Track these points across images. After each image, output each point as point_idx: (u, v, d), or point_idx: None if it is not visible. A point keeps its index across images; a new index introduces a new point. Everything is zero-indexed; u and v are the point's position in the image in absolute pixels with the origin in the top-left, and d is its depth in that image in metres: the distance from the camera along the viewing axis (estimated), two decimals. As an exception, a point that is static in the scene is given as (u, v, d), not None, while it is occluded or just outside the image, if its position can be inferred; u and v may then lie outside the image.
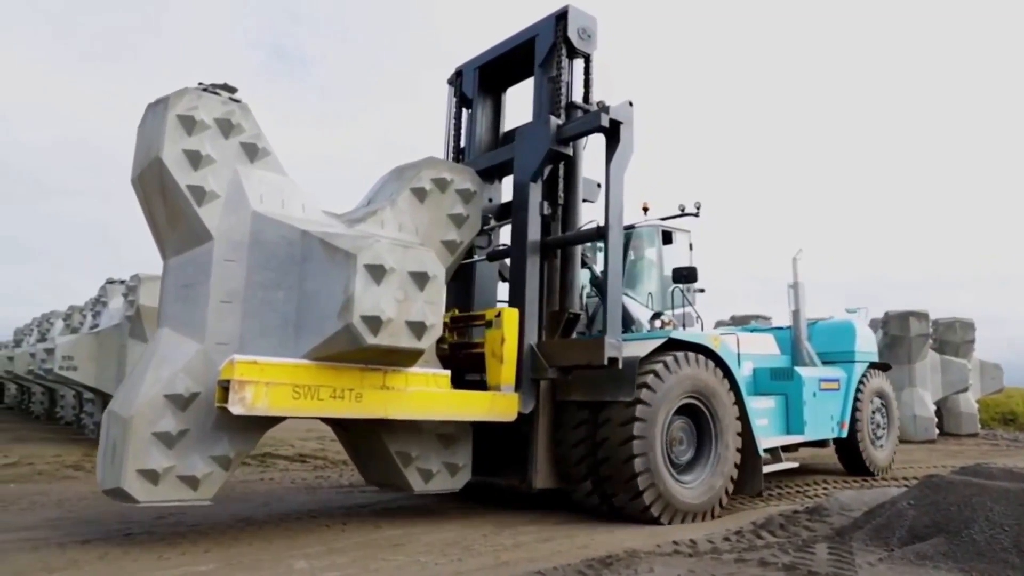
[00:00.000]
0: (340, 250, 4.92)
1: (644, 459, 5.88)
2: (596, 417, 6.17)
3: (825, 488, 8.58)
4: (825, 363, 9.76)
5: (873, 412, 9.81)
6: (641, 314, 7.86)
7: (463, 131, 7.83)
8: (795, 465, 8.03)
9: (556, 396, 6.44)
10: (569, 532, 5.71)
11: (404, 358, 5.19)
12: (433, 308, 5.17)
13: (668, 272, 8.32)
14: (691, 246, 8.57)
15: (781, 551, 4.69)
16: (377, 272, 4.88)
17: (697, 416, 6.60)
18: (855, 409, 9.39)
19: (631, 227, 8.21)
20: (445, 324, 6.63)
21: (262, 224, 5.31)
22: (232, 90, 5.55)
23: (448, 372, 5.79)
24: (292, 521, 5.99)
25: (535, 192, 6.50)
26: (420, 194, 6.32)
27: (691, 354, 6.48)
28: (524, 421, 6.39)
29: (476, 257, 7.14)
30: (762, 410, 8.36)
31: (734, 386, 6.91)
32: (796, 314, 9.84)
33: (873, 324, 17.54)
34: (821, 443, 9.49)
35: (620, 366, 5.82)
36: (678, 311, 8.14)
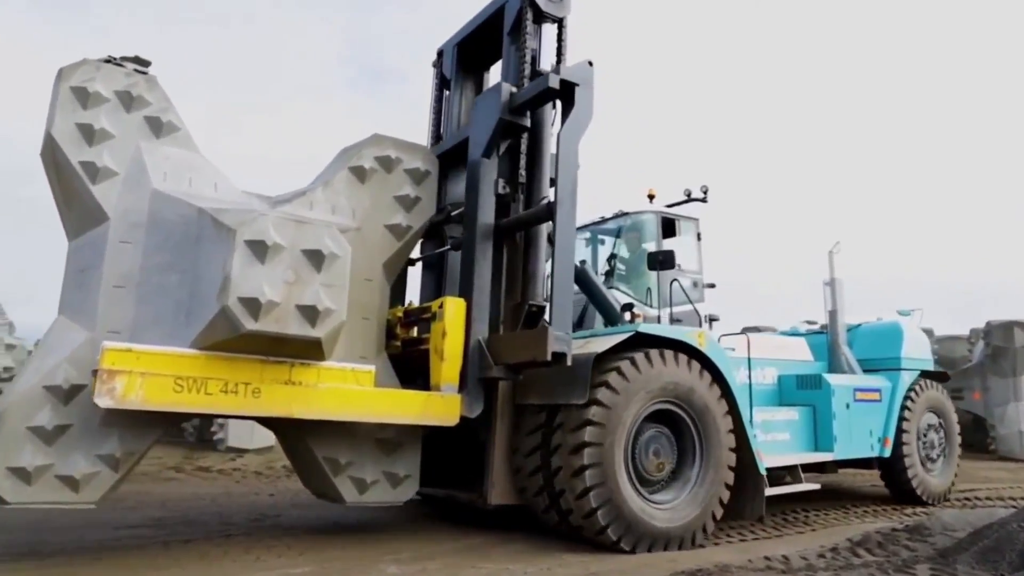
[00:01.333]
0: (224, 226, 4.39)
1: (598, 471, 5.00)
2: (552, 422, 5.36)
3: (856, 517, 7.31)
4: (867, 371, 8.47)
5: (925, 430, 8.40)
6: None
7: (443, 114, 7.25)
8: (812, 487, 6.85)
9: (516, 399, 5.68)
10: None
11: (300, 348, 4.58)
12: (332, 292, 4.55)
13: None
14: (699, 236, 7.59)
15: (880, 571, 4.42)
16: (260, 249, 4.31)
17: (678, 426, 5.65)
18: (901, 424, 8.05)
19: (623, 215, 7.34)
20: (397, 319, 6.02)
21: (162, 203, 4.86)
22: (143, 63, 5.17)
23: (372, 368, 5.14)
24: (382, 525, 6.15)
25: (488, 169, 5.79)
26: (360, 174, 5.74)
27: (668, 352, 5.55)
28: (484, 428, 5.67)
29: (448, 246, 6.50)
30: (782, 422, 7.25)
31: (728, 392, 5.91)
32: (833, 315, 8.62)
33: (974, 334, 16.13)
34: (863, 463, 8.21)
35: (569, 363, 5.00)
36: (682, 308, 7.17)
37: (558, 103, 5.95)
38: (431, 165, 6.10)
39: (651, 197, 7.82)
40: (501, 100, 5.67)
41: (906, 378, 8.28)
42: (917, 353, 8.56)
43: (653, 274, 7.13)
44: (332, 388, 4.87)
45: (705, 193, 7.93)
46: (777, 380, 7.90)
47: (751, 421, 6.78)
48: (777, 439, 7.18)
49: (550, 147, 6.13)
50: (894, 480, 8.17)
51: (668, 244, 7.53)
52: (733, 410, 5.92)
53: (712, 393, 5.72)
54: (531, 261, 5.87)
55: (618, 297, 7.01)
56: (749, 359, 7.12)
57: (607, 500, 5.01)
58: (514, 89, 5.73)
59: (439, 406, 5.25)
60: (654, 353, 5.44)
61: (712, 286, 7.62)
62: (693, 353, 5.74)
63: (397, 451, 5.54)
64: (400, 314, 6.04)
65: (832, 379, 7.63)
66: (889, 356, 8.47)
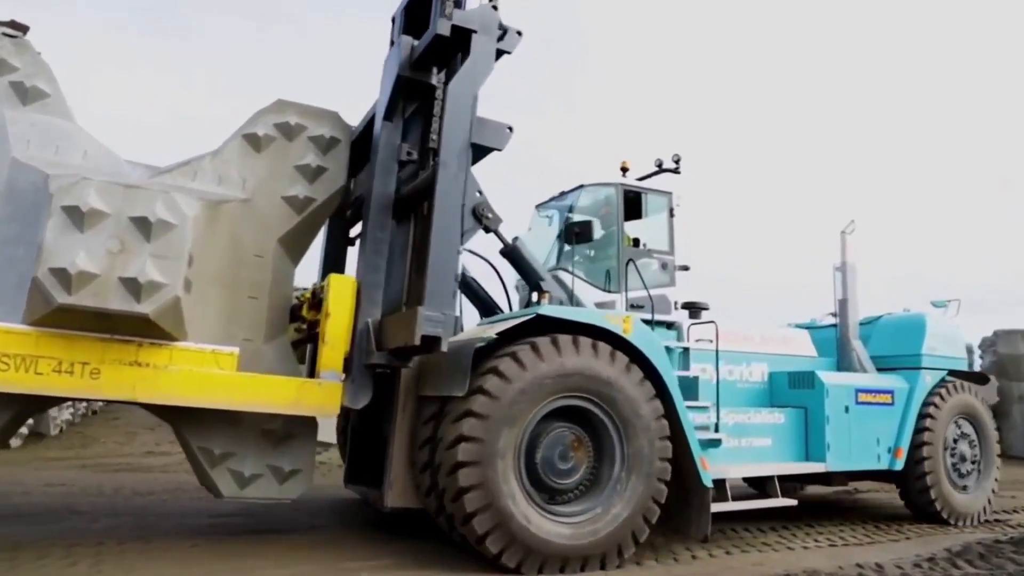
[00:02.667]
0: (46, 191, 4.04)
1: (476, 471, 4.33)
2: (443, 412, 4.73)
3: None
4: (883, 370, 7.29)
5: (955, 439, 7.12)
6: (587, 296, 6.18)
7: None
8: (786, 503, 5.84)
9: (417, 390, 5.09)
10: (745, 546, 5.64)
11: (133, 326, 4.16)
12: (165, 264, 4.10)
13: (637, 244, 6.56)
14: (672, 211, 6.68)
15: (982, 585, 4.19)
16: (77, 216, 3.92)
17: (596, 427, 4.88)
18: (920, 433, 6.84)
19: (580, 188, 6.56)
20: (304, 300, 5.55)
21: (19, 172, 4.57)
22: (20, 28, 4.92)
23: (236, 350, 4.67)
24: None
25: (389, 133, 5.22)
26: (254, 141, 5.29)
27: (583, 340, 4.78)
28: (387, 422, 5.13)
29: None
30: (762, 426, 6.29)
31: (663, 389, 5.06)
32: (843, 304, 7.48)
33: (984, 342, 15.56)
34: (873, 476, 7.07)
35: (443, 348, 4.36)
36: (652, 292, 6.33)
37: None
38: (341, 132, 5.57)
39: (624, 170, 6.98)
40: (401, 55, 5.09)
41: (928, 379, 7.04)
42: (945, 350, 7.28)
43: (613, 255, 6.32)
44: (185, 371, 4.44)
45: (677, 163, 7.01)
46: (768, 378, 6.88)
47: (717, 425, 5.91)
48: (754, 445, 6.22)
49: (473, 108, 5.49)
50: (912, 497, 6.98)
51: (640, 221, 6.70)
52: (672, 412, 5.07)
53: (641, 390, 4.90)
54: (431, 236, 5.25)
55: (567, 280, 6.24)
56: (717, 352, 6.19)
57: (486, 506, 4.32)
58: (415, 42, 5.13)
59: (315, 395, 4.72)
60: (563, 339, 4.69)
61: (686, 268, 6.71)
62: (617, 342, 4.94)
63: (285, 443, 5.06)
64: (309, 295, 5.57)
65: (827, 377, 6.55)
66: (908, 353, 7.24)
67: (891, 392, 6.86)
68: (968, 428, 7.25)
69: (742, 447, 6.16)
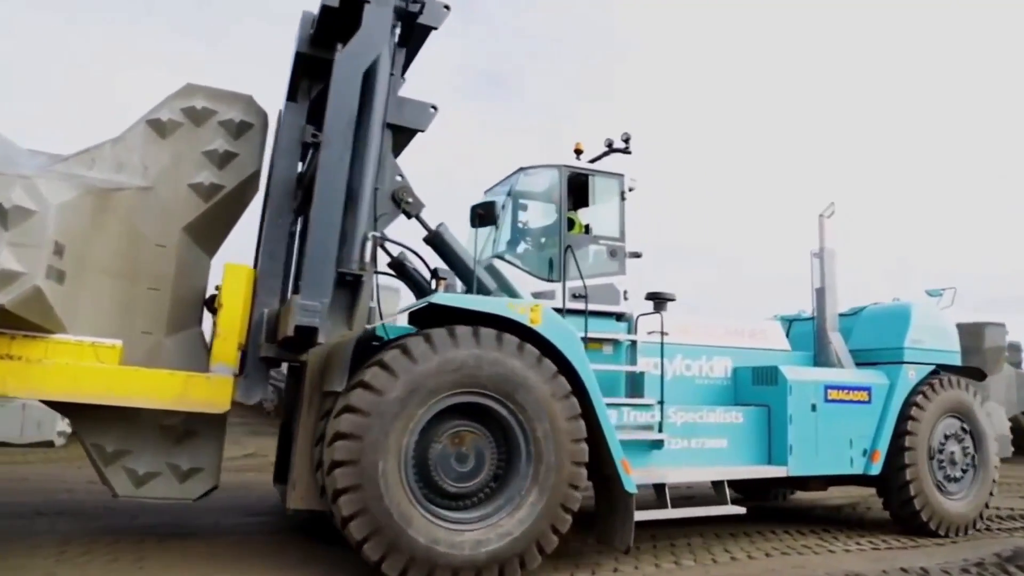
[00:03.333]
0: (-101, 177, 3.88)
1: (354, 470, 4.00)
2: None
3: (1003, 530, 6.00)
4: (864, 364, 6.69)
5: (943, 440, 6.47)
6: (523, 286, 5.78)
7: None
8: (734, 511, 5.34)
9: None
10: (785, 548, 5.61)
11: (-6, 317, 3.97)
12: (23, 252, 3.90)
13: (585, 231, 6.14)
14: (624, 194, 6.22)
15: (1035, 592, 4.00)
16: (-78, 201, 3.75)
17: (502, 426, 4.50)
18: (901, 433, 6.22)
19: (519, 171, 6.16)
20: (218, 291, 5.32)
21: (-99, 160, 4.45)
22: None
23: (118, 343, 4.45)
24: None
25: (292, 115, 4.97)
26: (159, 127, 5.08)
27: (486, 331, 4.40)
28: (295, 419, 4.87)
29: None
30: (716, 426, 5.81)
31: (579, 386, 4.65)
32: (820, 293, 6.90)
33: None
34: (848, 480, 6.49)
35: (321, 339, 4.05)
36: (598, 281, 5.92)
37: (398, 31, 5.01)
38: (254, 116, 5.31)
39: (578, 152, 6.56)
40: (301, 32, 4.81)
41: (911, 374, 6.41)
42: (933, 342, 6.62)
43: (556, 242, 5.91)
44: (61, 365, 4.25)
45: (627, 142, 6.54)
46: (731, 373, 6.37)
47: (661, 424, 5.47)
48: (707, 447, 5.74)
49: (384, 87, 5.19)
50: (892, 505, 6.36)
51: (589, 207, 6.28)
52: (591, 410, 4.65)
53: (551, 386, 4.49)
54: (349, 222, 4.95)
55: (502, 270, 5.86)
56: (662, 345, 5.73)
57: (363, 509, 3.99)
58: (315, 15, 4.84)
59: (203, 390, 4.49)
60: (461, 331, 4.32)
61: (637, 255, 6.24)
62: (525, 334, 4.55)
63: (186, 441, 4.85)
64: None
65: (792, 373, 6.00)
66: (889, 346, 6.62)
67: (868, 389, 6.26)
68: (960, 428, 6.58)
69: (692, 449, 5.68)
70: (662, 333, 5.74)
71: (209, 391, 4.50)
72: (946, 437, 6.47)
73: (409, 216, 5.44)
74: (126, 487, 4.73)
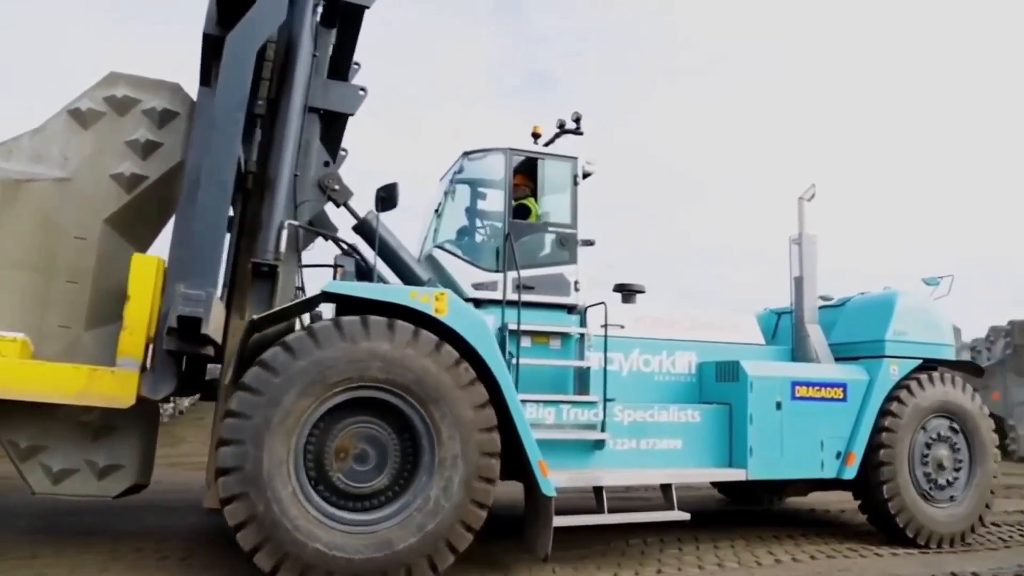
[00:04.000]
0: None
1: (239, 477, 3.81)
2: (238, 409, 4.24)
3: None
4: (845, 359, 6.19)
5: (928, 443, 5.92)
6: (464, 276, 5.50)
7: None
8: (677, 517, 4.95)
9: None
10: (831, 551, 5.53)
11: None
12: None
13: (538, 219, 5.83)
14: (577, 179, 5.87)
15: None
16: None
17: (406, 422, 4.24)
18: (879, 433, 5.72)
19: (463, 155, 5.87)
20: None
21: None
22: None
23: (22, 336, 4.37)
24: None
25: (204, 99, 4.80)
26: (80, 117, 4.99)
27: (374, 321, 4.14)
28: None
29: None
30: (669, 426, 5.44)
31: (490, 380, 4.36)
32: (799, 283, 6.42)
33: (994, 332, 15.16)
34: (823, 485, 6.02)
35: (204, 330, 3.87)
36: (545, 271, 5.61)
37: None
38: (180, 105, 5.17)
39: (536, 136, 6.24)
40: (208, 13, 4.63)
41: (893, 369, 5.88)
42: (919, 334, 6.06)
43: (479, 225, 5.63)
44: (-43, 359, 4.18)
45: (577, 123, 6.17)
46: (696, 369, 5.96)
47: (604, 423, 5.13)
48: (658, 448, 5.37)
49: (304, 70, 4.99)
50: (871, 512, 5.86)
51: (540, 193, 5.95)
52: (505, 406, 4.35)
53: (453, 374, 4.21)
54: (264, 210, 4.78)
55: (442, 260, 5.60)
56: (605, 339, 5.37)
57: (251, 517, 3.80)
58: (223, -3, 4.65)
59: (107, 384, 4.35)
60: (349, 322, 4.08)
61: (590, 243, 5.89)
62: (430, 325, 4.28)
63: (103, 437, 4.74)
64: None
65: (753, 368, 5.56)
66: (870, 339, 6.09)
67: (843, 385, 5.77)
68: (949, 429, 6.02)
69: (642, 450, 5.32)
70: (605, 325, 5.38)
71: (113, 385, 4.36)
72: (933, 439, 5.92)
73: (337, 204, 5.25)
74: (42, 484, 4.65)
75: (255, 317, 4.07)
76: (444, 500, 4.09)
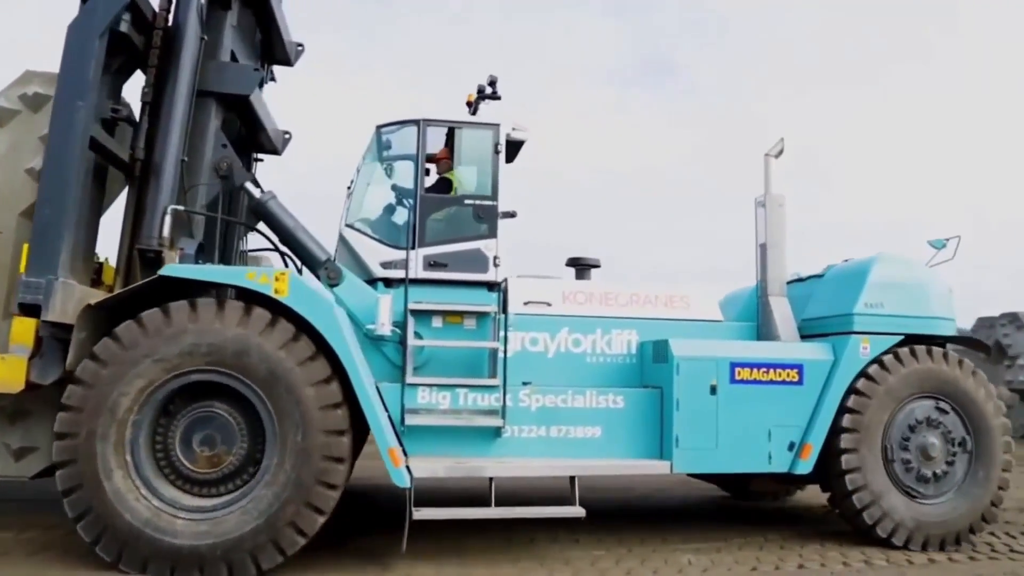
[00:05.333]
0: None
1: (74, 470, 3.88)
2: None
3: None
4: (813, 336, 5.38)
5: (911, 427, 5.00)
6: (373, 255, 5.27)
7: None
8: (566, 514, 4.45)
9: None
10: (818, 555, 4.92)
11: None
12: None
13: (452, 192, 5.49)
14: (498, 147, 5.45)
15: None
16: None
17: (247, 404, 4.10)
18: (843, 416, 4.90)
19: (377, 130, 5.60)
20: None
21: None
22: None
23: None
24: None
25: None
26: (-6, 116, 5.21)
27: (203, 304, 4.03)
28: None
29: None
30: (585, 412, 4.97)
31: (336, 362, 4.12)
32: (764, 251, 5.66)
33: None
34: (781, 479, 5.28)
35: (45, 317, 3.91)
36: (462, 247, 5.29)
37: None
38: None
39: (471, 104, 5.89)
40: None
41: (863, 347, 5.01)
42: (897, 306, 5.12)
43: (392, 202, 5.34)
44: None
45: (493, 86, 5.70)
46: (637, 349, 5.40)
47: (504, 409, 4.76)
48: (572, 436, 4.91)
49: (191, 55, 4.93)
50: (841, 509, 5.06)
51: (459, 163, 5.60)
52: (351, 389, 4.10)
53: (290, 351, 4.03)
54: (148, 195, 4.79)
55: (351, 239, 5.38)
56: (505, 317, 4.95)
57: (88, 509, 3.83)
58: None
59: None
60: (176, 307, 3.98)
61: (512, 215, 5.46)
62: (269, 305, 4.09)
63: (19, 420, 4.94)
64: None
65: (682, 347, 4.93)
66: (837, 313, 5.23)
67: (798, 367, 5.00)
68: (939, 412, 5.06)
69: (552, 438, 4.88)
70: (505, 302, 4.97)
71: (4, 372, 4.52)
72: (917, 423, 5.01)
73: (232, 187, 5.17)
74: None
75: (92, 303, 4.06)
76: (288, 482, 3.93)
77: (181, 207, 4.84)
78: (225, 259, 5.99)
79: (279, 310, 4.12)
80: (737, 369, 4.92)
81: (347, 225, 5.51)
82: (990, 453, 5.08)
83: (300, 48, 6.83)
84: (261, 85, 6.55)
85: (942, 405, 5.07)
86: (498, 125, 5.51)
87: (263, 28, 6.15)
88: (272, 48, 6.45)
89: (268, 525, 3.88)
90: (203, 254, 4.65)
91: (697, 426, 4.81)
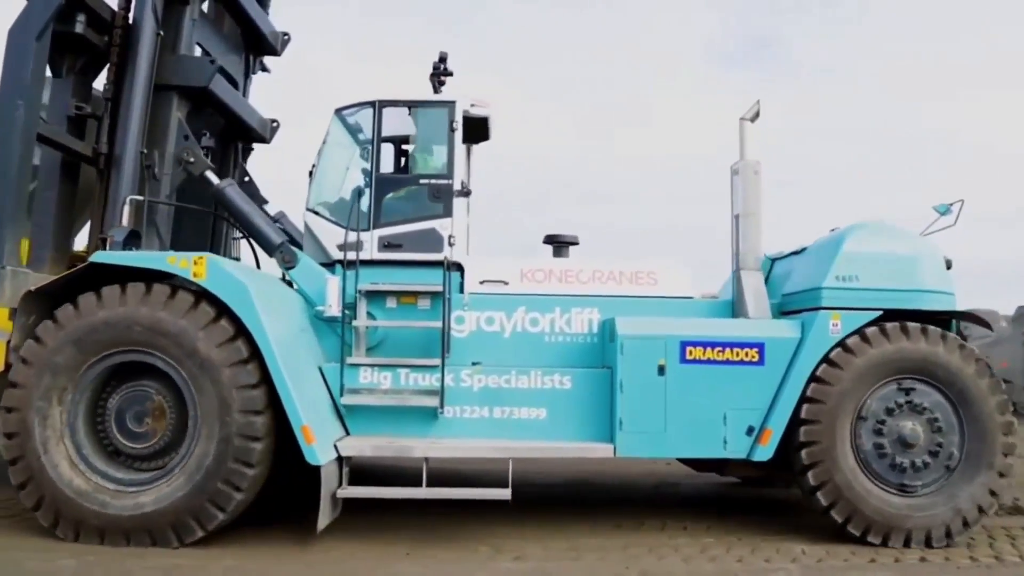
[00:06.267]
0: None
1: (18, 441, 4.17)
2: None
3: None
4: (788, 315, 4.97)
5: (887, 412, 4.50)
6: (329, 238, 5.33)
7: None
8: (484, 495, 4.33)
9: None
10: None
11: None
12: None
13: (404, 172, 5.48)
14: (454, 124, 5.34)
15: None
16: None
17: (173, 383, 4.29)
18: (803, 404, 4.49)
19: (335, 113, 5.61)
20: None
21: None
22: None
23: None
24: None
25: (59, 89, 5.16)
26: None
27: (131, 287, 4.23)
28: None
29: None
30: (534, 393, 4.85)
31: (254, 343, 4.21)
32: (738, 222, 5.27)
33: None
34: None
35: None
36: (416, 227, 5.26)
37: None
38: None
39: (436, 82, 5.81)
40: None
41: (832, 324, 4.54)
42: (875, 279, 4.58)
43: (351, 185, 5.34)
44: None
45: (443, 62, 5.54)
46: (599, 328, 5.18)
47: (448, 391, 4.75)
48: (516, 418, 4.80)
49: (147, 51, 5.13)
50: (810, 502, 4.65)
51: (417, 142, 5.56)
52: (268, 368, 4.19)
53: (209, 332, 4.17)
54: (112, 184, 5.06)
55: (311, 223, 5.44)
56: (447, 296, 4.87)
57: (29, 478, 4.13)
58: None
59: (-20, 354, 4.93)
60: (108, 291, 4.20)
61: (466, 193, 5.34)
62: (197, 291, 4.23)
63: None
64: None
65: (627, 326, 4.67)
66: (808, 288, 4.77)
67: (758, 345, 4.61)
68: (923, 396, 4.52)
69: (495, 419, 4.78)
70: (447, 282, 4.89)
71: (-13, 354, 4.94)
72: (892, 409, 4.52)
73: (191, 175, 5.36)
74: None
75: (32, 288, 4.33)
76: (206, 459, 4.09)
77: (140, 197, 5.08)
78: (215, 244, 6.28)
79: (209, 294, 4.27)
80: (688, 348, 4.62)
81: (308, 209, 5.60)
82: (986, 436, 4.51)
83: (286, 37, 6.98)
84: (248, 75, 6.79)
85: (923, 387, 4.55)
86: (454, 103, 5.40)
87: (239, 21, 6.33)
88: (257, 39, 6.63)
89: (189, 500, 4.07)
90: (136, 240, 4.85)
91: (643, 408, 4.56)
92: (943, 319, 4.87)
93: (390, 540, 4.49)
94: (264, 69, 7.08)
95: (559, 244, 5.92)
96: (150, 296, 4.18)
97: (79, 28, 4.97)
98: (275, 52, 6.85)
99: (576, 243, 5.96)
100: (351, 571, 4.01)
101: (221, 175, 6.43)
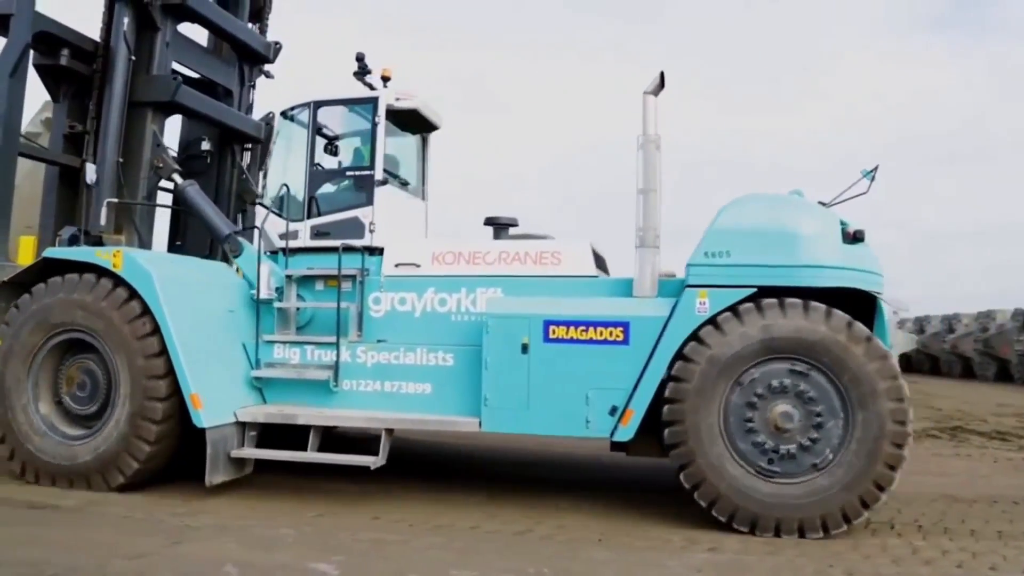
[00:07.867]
0: None
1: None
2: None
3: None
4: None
5: (757, 395, 4.15)
6: (274, 228, 5.90)
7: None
8: (354, 462, 4.59)
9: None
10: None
11: None
12: None
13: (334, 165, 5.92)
14: (376, 119, 5.65)
15: None
16: None
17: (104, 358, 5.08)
18: (665, 386, 4.28)
19: (281, 115, 6.13)
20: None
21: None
22: None
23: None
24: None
25: (58, 112, 6.20)
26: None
27: (70, 277, 5.07)
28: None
29: None
30: (420, 369, 5.13)
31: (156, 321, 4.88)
32: (643, 198, 5.10)
33: None
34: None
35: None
36: (342, 216, 5.72)
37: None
38: None
39: (386, 79, 6.17)
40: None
41: (700, 303, 4.27)
42: (749, 255, 4.20)
43: (303, 180, 5.85)
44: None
45: (360, 61, 5.78)
46: (505, 308, 5.28)
47: (343, 366, 5.19)
48: (403, 392, 5.11)
49: (122, 73, 6.02)
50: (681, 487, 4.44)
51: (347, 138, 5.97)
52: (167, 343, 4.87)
53: (122, 312, 4.92)
54: (96, 191, 6.01)
55: (259, 216, 6.04)
56: (339, 276, 5.25)
57: (8, 433, 5.12)
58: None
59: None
60: (54, 281, 5.08)
61: (384, 182, 5.63)
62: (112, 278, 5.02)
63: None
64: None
65: (494, 304, 4.75)
66: (688, 264, 4.48)
67: (623, 325, 4.47)
68: (801, 378, 4.10)
69: (385, 393, 5.11)
70: (339, 263, 5.25)
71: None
72: (765, 392, 4.16)
73: (160, 178, 6.20)
74: None
75: (4, 279, 5.32)
76: (122, 417, 4.86)
77: (115, 199, 6.00)
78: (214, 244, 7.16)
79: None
80: (551, 327, 4.61)
81: (258, 202, 6.24)
82: (873, 423, 4.04)
83: (278, 46, 7.69)
84: (244, 84, 7.58)
85: (801, 367, 4.16)
86: (376, 99, 5.74)
87: (222, 38, 7.10)
88: (247, 52, 7.39)
89: (112, 451, 4.86)
90: (80, 239, 5.73)
91: (507, 386, 4.64)
92: (866, 297, 4.41)
93: (584, 525, 4.50)
94: (267, 75, 7.85)
95: (499, 226, 6.06)
96: (81, 284, 5.03)
97: (63, 61, 5.97)
98: (268, 60, 7.58)
99: (515, 224, 6.06)
100: (547, 555, 3.90)
101: (220, 174, 7.36)
